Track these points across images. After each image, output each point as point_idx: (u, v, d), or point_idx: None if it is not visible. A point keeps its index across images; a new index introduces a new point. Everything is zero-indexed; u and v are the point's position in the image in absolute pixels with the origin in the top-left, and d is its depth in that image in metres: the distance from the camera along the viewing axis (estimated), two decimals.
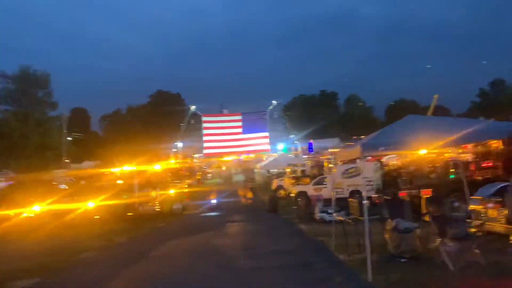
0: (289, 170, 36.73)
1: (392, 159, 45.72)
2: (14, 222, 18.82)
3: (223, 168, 63.95)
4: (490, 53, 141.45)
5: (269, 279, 8.43)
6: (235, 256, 11.10)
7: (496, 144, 22.21)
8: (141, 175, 26.48)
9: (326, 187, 27.42)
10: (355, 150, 8.46)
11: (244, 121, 54.01)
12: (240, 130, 54.03)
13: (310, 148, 66.46)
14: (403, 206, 10.04)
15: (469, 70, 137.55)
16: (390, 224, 9.53)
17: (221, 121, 54.41)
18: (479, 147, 24.19)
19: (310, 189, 27.22)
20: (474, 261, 7.79)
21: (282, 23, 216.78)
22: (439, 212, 8.39)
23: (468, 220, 10.07)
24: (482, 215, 10.72)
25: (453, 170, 31.74)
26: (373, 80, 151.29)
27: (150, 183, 27.18)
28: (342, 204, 20.53)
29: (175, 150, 56.18)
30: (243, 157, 63.75)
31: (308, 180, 30.60)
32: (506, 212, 10.07)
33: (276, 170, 49.89)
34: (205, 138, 53.23)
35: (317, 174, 32.21)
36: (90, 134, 78.39)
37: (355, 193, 27.09)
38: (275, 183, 35.44)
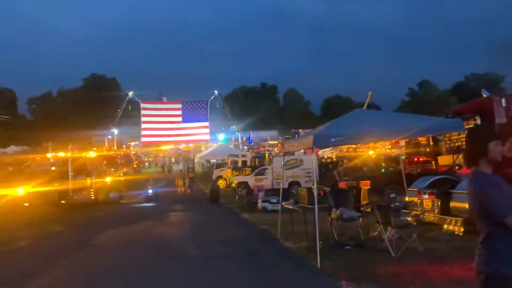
0: (230, 160, 36.81)
1: (327, 152, 47.40)
2: None
3: (161, 157, 62.79)
4: (419, 55, 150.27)
5: (219, 267, 8.41)
6: (181, 245, 10.96)
7: (424, 140, 23.61)
8: (75, 162, 25.20)
9: (267, 178, 27.86)
10: (307, 141, 8.64)
11: (184, 109, 53.07)
12: (179, 119, 53.02)
13: (249, 139, 67.07)
14: (347, 196, 10.42)
15: (400, 71, 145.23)
16: (334, 213, 9.86)
17: (160, 109, 53.06)
18: (411, 142, 25.66)
19: (252, 180, 27.50)
20: (413, 248, 8.31)
21: (223, 15, 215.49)
22: (383, 202, 8.80)
23: (405, 211, 10.69)
24: (418, 206, 11.43)
25: (384, 164, 33.51)
26: (311, 75, 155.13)
27: (85, 170, 26.00)
28: (283, 194, 21.05)
29: (111, 137, 54.11)
30: (182, 146, 62.89)
31: (249, 170, 30.89)
32: (438, 202, 10.82)
33: (216, 161, 49.83)
34: (143, 125, 51.67)
35: (258, 165, 32.55)
36: (17, 117, 73.32)
37: (294, 184, 27.82)
38: (215, 174, 35.41)
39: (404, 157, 37.28)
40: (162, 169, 53.20)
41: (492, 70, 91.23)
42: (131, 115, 60.66)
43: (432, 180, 12.01)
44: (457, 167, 14.87)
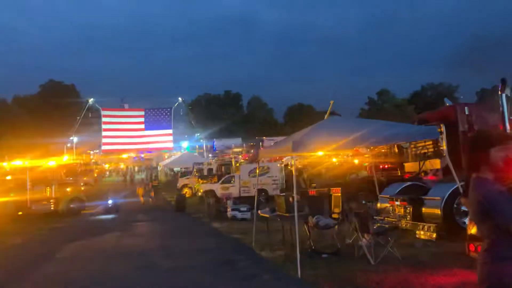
0: (195, 169, 36.31)
1: (291, 160, 47.61)
2: None
3: (122, 165, 61.20)
4: (378, 65, 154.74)
5: (194, 278, 8.12)
6: (153, 256, 10.55)
7: (387, 148, 24.13)
8: (34, 171, 24.07)
9: (234, 186, 27.63)
10: (284, 148, 8.53)
11: (147, 117, 51.92)
12: (142, 126, 51.79)
13: (213, 147, 66.59)
14: (321, 203, 10.38)
15: (360, 80, 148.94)
16: (310, 220, 9.79)
17: (122, 116, 51.65)
18: (375, 149, 26.20)
19: (218, 188, 27.20)
20: (391, 254, 8.33)
21: (185, 22, 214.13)
22: (362, 209, 8.80)
23: (378, 217, 10.77)
24: (390, 212, 11.55)
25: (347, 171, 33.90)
26: (274, 83, 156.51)
27: (44, 179, 24.88)
28: (249, 202, 20.92)
29: (70, 145, 52.19)
30: (143, 154, 61.58)
31: (215, 179, 30.56)
32: (410, 209, 10.97)
33: (179, 169, 49.02)
34: (104, 133, 50.06)
35: (224, 173, 32.25)
36: None
37: (261, 191, 27.74)
38: (180, 182, 34.80)
39: (365, 164, 38.13)
40: (124, 178, 51.84)
41: (446, 80, 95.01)
42: (91, 123, 58.92)
43: (403, 186, 12.18)
44: (423, 174, 15.24)
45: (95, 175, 47.08)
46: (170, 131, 52.94)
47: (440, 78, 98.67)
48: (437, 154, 14.45)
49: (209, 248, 11.26)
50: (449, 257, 8.08)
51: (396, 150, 18.00)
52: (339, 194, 14.35)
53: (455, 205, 10.07)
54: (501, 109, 13.35)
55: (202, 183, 29.96)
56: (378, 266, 7.81)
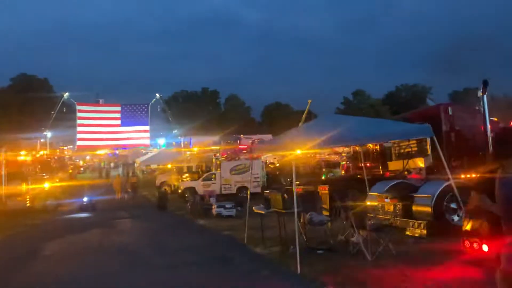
0: (173, 166, 35.99)
1: (270, 158, 47.82)
2: None
3: (96, 161, 60.04)
4: (354, 66, 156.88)
5: (193, 275, 8.03)
6: (143, 254, 10.38)
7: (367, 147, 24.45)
8: (9, 166, 23.35)
9: (214, 183, 27.49)
10: (283, 146, 8.52)
11: (123, 112, 50.93)
12: (118, 122, 50.77)
13: (190, 144, 66.00)
14: (314, 200, 10.44)
15: (336, 80, 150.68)
16: (304, 217, 9.83)
17: (98, 111, 50.51)
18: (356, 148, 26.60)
19: (199, 185, 27.00)
20: (386, 251, 8.44)
21: (162, 17, 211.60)
22: (360, 206, 8.89)
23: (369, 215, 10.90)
24: (379, 209, 11.71)
25: (324, 169, 34.40)
26: (251, 82, 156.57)
27: (20, 175, 24.16)
28: (231, 200, 20.86)
29: (44, 140, 50.74)
30: (118, 151, 60.50)
31: (196, 176, 30.36)
32: (400, 206, 11.16)
33: (156, 166, 48.39)
34: (79, 128, 48.82)
35: (205, 170, 32.07)
36: None
37: (243, 189, 27.73)
38: (159, 179, 34.37)
39: (344, 163, 38.56)
40: (99, 175, 50.87)
41: (420, 82, 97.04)
42: (65, 118, 57.39)
43: (391, 184, 12.35)
44: (406, 173, 15.52)
45: (70, 171, 45.98)
46: (147, 127, 52.18)
47: (414, 80, 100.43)
48: (421, 153, 14.76)
49: (201, 245, 11.16)
50: (443, 253, 8.25)
51: (378, 149, 18.29)
52: (327, 192, 14.56)
53: (445, 203, 10.29)
54: (482, 110, 13.77)
55: (182, 180, 29.71)
56: (375, 262, 7.90)
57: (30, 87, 71.10)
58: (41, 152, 39.23)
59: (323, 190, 14.84)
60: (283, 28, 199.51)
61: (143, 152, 55.47)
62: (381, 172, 17.84)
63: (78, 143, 49.56)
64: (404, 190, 11.61)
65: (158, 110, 56.68)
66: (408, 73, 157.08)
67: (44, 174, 31.53)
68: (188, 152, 51.80)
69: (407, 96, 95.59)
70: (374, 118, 10.19)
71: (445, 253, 8.25)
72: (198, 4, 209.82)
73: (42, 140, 50.10)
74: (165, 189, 30.82)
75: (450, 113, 14.09)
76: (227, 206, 17.65)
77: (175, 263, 9.07)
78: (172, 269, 8.61)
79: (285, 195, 9.49)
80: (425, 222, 10.09)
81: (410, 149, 15.22)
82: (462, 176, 11.21)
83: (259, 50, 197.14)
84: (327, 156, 47.45)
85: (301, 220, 9.93)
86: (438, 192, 10.23)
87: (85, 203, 22.95)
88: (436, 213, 10.13)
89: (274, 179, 30.50)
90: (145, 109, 52.45)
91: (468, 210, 8.25)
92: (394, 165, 16.11)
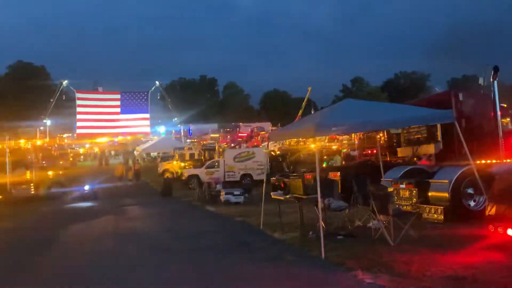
0: (177, 154, 35.96)
1: (270, 146, 47.84)
2: None
3: (96, 149, 59.88)
4: (353, 53, 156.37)
5: (216, 259, 8.00)
6: (160, 238, 10.37)
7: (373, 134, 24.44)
8: (13, 154, 23.18)
9: (218, 171, 27.47)
10: (304, 131, 8.47)
11: (123, 100, 50.84)
12: (118, 110, 50.74)
13: (189, 132, 66.01)
14: (332, 186, 10.42)
15: (335, 68, 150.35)
16: (322, 203, 9.80)
17: (97, 99, 50.40)
18: (361, 134, 26.62)
19: (202, 173, 26.98)
20: (406, 236, 8.45)
21: (158, 3, 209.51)
22: (380, 192, 8.87)
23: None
24: (394, 195, 11.71)
25: (326, 157, 34.39)
26: (250, 69, 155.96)
27: (24, 162, 24.02)
28: (235, 186, 20.88)
29: (43, 128, 50.52)
30: (117, 139, 60.45)
31: (198, 163, 30.37)
32: (415, 192, 11.17)
33: (156, 154, 48.35)
34: (78, 116, 48.78)
35: (208, 157, 32.02)
36: None
37: (246, 176, 27.75)
38: (161, 167, 34.34)
39: (344, 150, 38.60)
40: (100, 163, 50.77)
41: (419, 69, 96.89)
42: (63, 106, 57.07)
43: (405, 170, 12.35)
44: (415, 159, 15.52)
45: (71, 159, 45.83)
46: (147, 115, 52.21)
47: (413, 67, 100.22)
48: (431, 139, 14.75)
49: (216, 230, 11.16)
50: (464, 238, 8.29)
51: (386, 135, 18.27)
52: (338, 178, 14.55)
53: (462, 188, 10.31)
54: (492, 96, 13.72)
55: (186, 167, 29.70)
56: (398, 247, 7.90)
57: (27, 74, 70.44)
58: (41, 140, 38.97)
59: (334, 176, 14.84)
60: (282, 13, 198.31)
61: (143, 140, 55.47)
62: (388, 159, 17.90)
63: (78, 131, 49.52)
64: (419, 176, 11.62)
65: (158, 98, 56.61)
66: (406, 60, 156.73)
67: (44, 162, 31.44)
68: (188, 140, 51.82)
69: (405, 83, 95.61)
70: (397, 104, 10.20)
71: (466, 237, 8.29)
72: None
73: (41, 128, 49.82)
74: (166, 176, 30.84)
75: (460, 99, 14.05)
76: (235, 193, 17.66)
77: (196, 248, 9.07)
78: (194, 253, 8.59)
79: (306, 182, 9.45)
80: (442, 207, 10.12)
81: (420, 136, 15.20)
82: (479, 162, 11.17)
83: (258, 37, 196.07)
84: (327, 144, 47.45)
85: (320, 206, 9.91)
86: (456, 177, 10.23)
87: (89, 190, 22.74)
88: (453, 199, 10.14)
89: (276, 166, 30.52)
90: (145, 97, 52.37)
91: (492, 195, 8.28)
92: (403, 151, 16.09)
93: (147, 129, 52.81)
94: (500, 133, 13.43)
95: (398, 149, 16.66)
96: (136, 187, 28.86)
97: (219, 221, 13.04)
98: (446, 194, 10.23)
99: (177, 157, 34.68)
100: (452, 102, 13.78)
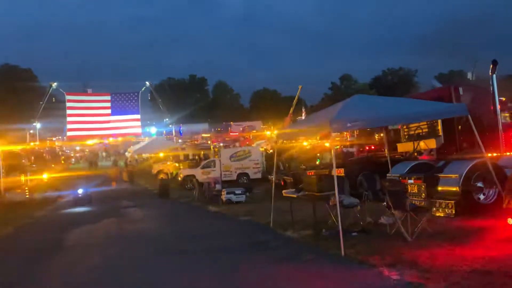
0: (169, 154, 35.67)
1: (262, 144, 47.76)
2: None
3: (87, 151, 59.25)
4: (341, 51, 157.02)
5: (233, 260, 7.85)
6: (166, 240, 10.17)
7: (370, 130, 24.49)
8: (7, 158, 22.81)
9: (214, 170, 27.29)
10: (318, 128, 8.37)
11: (113, 101, 50.28)
12: (108, 111, 50.18)
13: (180, 132, 65.62)
14: (342, 183, 10.33)
15: (323, 66, 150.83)
16: (333, 200, 9.72)
17: (87, 101, 49.76)
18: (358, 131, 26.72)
19: (199, 173, 26.78)
20: (422, 231, 8.40)
21: (145, 3, 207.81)
22: (395, 187, 8.81)
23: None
24: None
25: (318, 154, 34.48)
26: (239, 68, 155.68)
27: (18, 166, 23.67)
28: (232, 186, 20.76)
29: (32, 131, 49.71)
30: (108, 141, 59.89)
31: (193, 163, 30.19)
32: (424, 187, 11.15)
33: (147, 155, 47.78)
34: (69, 119, 48.08)
35: (203, 158, 31.85)
36: None
37: (243, 175, 27.63)
38: (156, 168, 34.04)
39: (337, 147, 38.70)
40: (90, 165, 50.17)
41: (405, 65, 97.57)
42: (52, 108, 56.27)
43: (411, 165, 12.33)
44: (415, 154, 15.56)
45: (62, 161, 45.19)
46: (138, 116, 51.70)
47: (400, 64, 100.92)
48: (432, 134, 14.78)
49: (224, 231, 11.01)
50: (479, 231, 8.28)
51: (385, 131, 18.30)
52: (343, 175, 14.51)
53: (472, 182, 10.31)
54: (491, 89, 13.78)
55: (182, 168, 29.48)
56: (416, 242, 7.84)
57: (14, 77, 69.21)
58: (32, 143, 38.41)
59: (338, 173, 14.78)
60: (269, 12, 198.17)
61: (133, 141, 54.94)
62: (386, 154, 17.95)
63: (69, 133, 48.86)
64: (427, 171, 11.61)
65: (148, 99, 56.11)
66: (394, 57, 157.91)
67: (34, 165, 30.97)
68: (180, 140, 51.45)
69: (393, 79, 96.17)
70: (409, 98, 10.22)
71: (482, 231, 8.28)
72: None
73: (31, 131, 49.06)
74: (162, 177, 30.56)
75: (461, 93, 14.10)
76: (237, 192, 17.52)
77: (210, 249, 8.90)
78: (210, 254, 8.43)
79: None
80: (453, 201, 10.11)
81: (420, 130, 15.22)
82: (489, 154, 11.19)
83: (246, 36, 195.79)
84: (319, 141, 47.39)
85: (330, 203, 9.83)
86: (466, 171, 10.23)
87: (84, 193, 22.08)
88: (464, 192, 10.14)
89: (271, 165, 30.36)
90: (135, 98, 51.89)
91: (509, 188, 8.27)
92: (404, 147, 16.08)
93: (139, 130, 52.33)
94: (500, 127, 13.52)
95: (398, 145, 16.66)
96: (130, 189, 28.49)
97: (224, 221, 12.88)
98: (456, 188, 10.22)
99: (171, 157, 34.38)
100: (453, 97, 13.85)
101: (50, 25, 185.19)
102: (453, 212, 10.01)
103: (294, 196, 10.02)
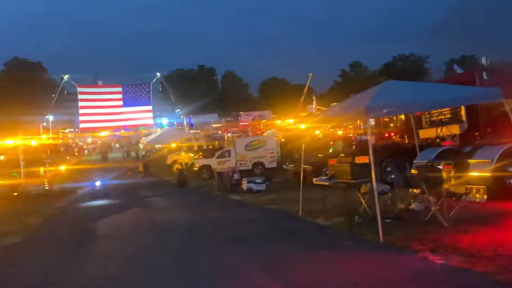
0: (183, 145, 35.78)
1: (272, 133, 47.72)
2: None
3: (99, 143, 59.65)
4: (350, 38, 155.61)
5: (268, 248, 7.89)
6: (201, 228, 10.26)
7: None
8: (26, 151, 23.00)
9: (229, 160, 27.34)
10: (353, 114, 8.33)
11: (125, 93, 50.44)
12: (120, 103, 50.37)
13: (190, 123, 65.76)
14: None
15: (333, 53, 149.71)
16: (365, 187, 9.71)
17: (99, 93, 49.97)
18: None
19: (214, 163, 26.86)
20: (457, 216, 8.37)
21: None
22: (434, 173, 8.77)
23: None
24: None
25: (332, 142, 34.34)
26: (247, 58, 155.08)
27: (37, 159, 23.81)
28: (249, 175, 20.81)
29: (45, 124, 50.10)
30: (119, 132, 60.21)
31: (207, 153, 30.27)
32: (453, 172, 11.08)
33: (159, 146, 47.96)
34: (81, 111, 48.40)
35: (217, 147, 31.90)
36: None
37: (258, 165, 27.66)
38: (170, 158, 34.17)
39: (351, 135, 38.50)
40: (104, 156, 50.52)
41: (416, 51, 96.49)
42: (63, 100, 56.60)
43: (439, 151, 12.25)
44: (438, 140, 15.44)
45: (76, 153, 45.55)
46: (150, 107, 51.86)
47: (411, 50, 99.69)
48: (455, 120, 14.65)
49: (254, 219, 11.03)
50: None
51: (404, 118, 18.16)
52: (367, 161, 14.46)
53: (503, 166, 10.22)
54: None
55: (197, 158, 29.57)
56: (454, 227, 7.81)
57: (25, 71, 69.64)
58: (44, 136, 38.70)
59: (362, 160, 14.74)
60: (276, 1, 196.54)
61: (145, 132, 55.20)
62: (406, 141, 17.85)
63: (81, 125, 49.17)
64: (455, 157, 11.52)
65: (159, 90, 56.19)
66: (404, 43, 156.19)
67: (51, 158, 31.17)
68: (192, 131, 51.57)
69: (404, 66, 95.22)
70: (440, 83, 10.12)
71: None
72: None
73: (44, 124, 49.44)
74: (177, 167, 30.69)
75: (485, 78, 13.93)
76: (257, 181, 17.57)
77: (243, 236, 8.95)
78: (241, 242, 8.48)
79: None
80: (484, 187, 10.04)
81: (443, 116, 15.10)
82: None
83: (254, 25, 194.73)
84: (331, 130, 47.26)
85: (361, 190, 9.82)
86: (498, 156, 10.14)
87: (101, 185, 22.08)
88: (496, 177, 10.06)
89: (288, 154, 30.43)
90: (147, 89, 51.99)
91: None
92: (426, 133, 15.98)
93: (150, 121, 52.54)
94: None
95: (420, 131, 16.51)
96: (147, 179, 28.67)
97: (251, 209, 12.93)
98: (488, 173, 10.14)
99: (185, 148, 34.49)
100: (477, 82, 13.68)
101: (58, 17, 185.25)
102: (485, 197, 9.96)
103: (327, 183, 10.00)
